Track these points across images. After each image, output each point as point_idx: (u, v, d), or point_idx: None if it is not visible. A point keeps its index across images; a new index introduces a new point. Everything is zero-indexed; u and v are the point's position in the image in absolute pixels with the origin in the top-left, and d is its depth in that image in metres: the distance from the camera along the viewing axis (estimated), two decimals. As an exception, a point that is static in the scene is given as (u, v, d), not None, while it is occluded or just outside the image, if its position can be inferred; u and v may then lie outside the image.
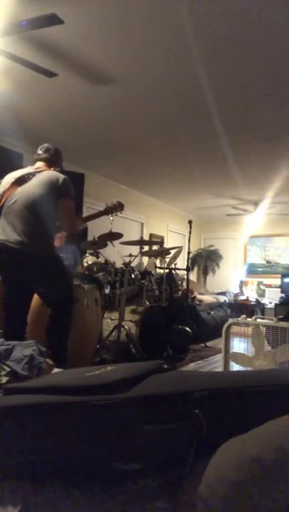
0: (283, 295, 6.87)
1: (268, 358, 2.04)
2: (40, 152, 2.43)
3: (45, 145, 2.46)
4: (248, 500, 0.53)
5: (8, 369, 1.19)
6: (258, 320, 2.20)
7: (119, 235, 3.63)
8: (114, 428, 0.68)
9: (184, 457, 0.65)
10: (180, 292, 5.07)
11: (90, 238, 4.24)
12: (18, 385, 0.99)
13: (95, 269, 3.62)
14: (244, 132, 4.11)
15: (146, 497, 0.65)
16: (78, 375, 0.97)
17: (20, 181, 2.25)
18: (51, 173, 2.29)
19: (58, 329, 2.22)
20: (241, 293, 7.81)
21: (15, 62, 2.61)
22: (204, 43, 2.62)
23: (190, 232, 4.66)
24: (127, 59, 2.84)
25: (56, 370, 1.36)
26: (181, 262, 5.68)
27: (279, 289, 7.49)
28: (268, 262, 8.71)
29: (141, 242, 4.12)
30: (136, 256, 3.91)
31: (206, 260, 8.81)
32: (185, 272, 4.63)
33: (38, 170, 2.33)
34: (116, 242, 3.80)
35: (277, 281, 7.71)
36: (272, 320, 2.14)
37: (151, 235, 7.41)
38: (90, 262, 3.64)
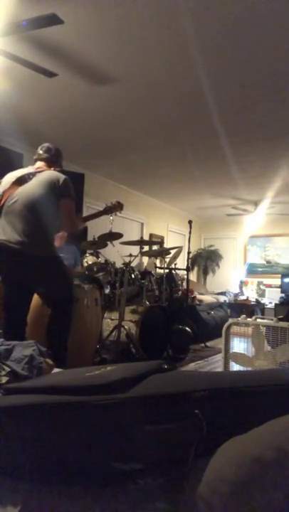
0: (283, 295, 6.87)
1: (268, 358, 2.04)
2: (40, 152, 2.43)
3: (46, 145, 2.46)
4: (248, 500, 0.53)
5: (8, 369, 1.19)
6: (258, 320, 2.20)
7: (119, 235, 3.63)
8: (114, 428, 0.68)
9: (184, 457, 0.65)
10: (180, 292, 5.07)
11: (90, 238, 4.24)
12: (18, 385, 0.99)
13: (95, 269, 3.62)
14: (244, 132, 4.11)
15: (146, 497, 0.65)
16: (78, 375, 0.97)
17: (20, 181, 2.25)
18: (51, 173, 2.29)
19: (58, 329, 2.22)
20: (241, 293, 7.81)
21: (15, 62, 2.61)
22: (204, 43, 2.62)
23: (190, 232, 4.66)
24: (127, 59, 2.84)
25: (56, 370, 1.36)
26: (181, 262, 5.68)
27: (279, 289, 7.49)
28: (268, 262, 8.71)
29: (141, 242, 4.12)
30: (136, 256, 3.91)
31: (206, 260, 8.81)
32: (185, 272, 4.63)
33: (39, 170, 2.33)
34: (116, 242, 3.80)
35: (277, 281, 7.71)
36: (272, 320, 2.15)
37: (151, 235, 7.41)
38: (90, 262, 3.64)
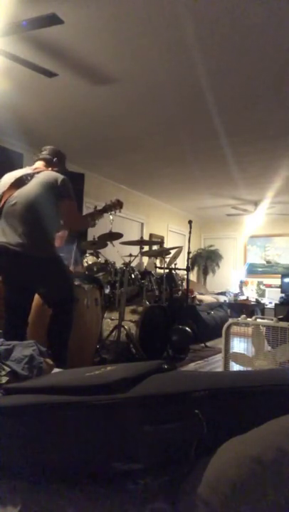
0: (283, 295, 6.87)
1: (268, 358, 2.04)
2: (42, 152, 2.45)
3: (48, 147, 2.47)
4: (248, 500, 0.53)
5: (8, 369, 1.19)
6: (258, 320, 2.20)
7: (119, 235, 3.63)
8: (114, 428, 0.68)
9: (184, 457, 0.65)
10: (180, 292, 5.07)
11: (90, 238, 4.24)
12: (18, 385, 0.99)
13: (95, 269, 3.62)
14: (244, 132, 4.11)
15: (146, 497, 0.65)
16: (78, 375, 0.97)
17: (19, 183, 2.25)
18: (50, 174, 2.29)
19: (59, 329, 2.22)
20: (241, 293, 7.81)
21: (15, 62, 2.61)
22: (204, 43, 2.62)
23: (190, 232, 4.66)
24: (127, 59, 2.84)
25: (56, 370, 1.36)
26: (181, 262, 5.68)
27: (279, 289, 7.49)
28: (268, 262, 8.71)
29: (141, 242, 4.12)
30: (136, 256, 3.91)
31: (206, 260, 8.81)
32: (185, 272, 4.63)
33: (36, 170, 2.33)
34: (116, 242, 3.80)
35: (277, 281, 7.71)
36: (272, 320, 2.14)
37: (151, 235, 7.41)
38: (90, 262, 3.64)
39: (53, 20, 2.15)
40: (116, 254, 3.95)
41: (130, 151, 4.84)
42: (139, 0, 2.24)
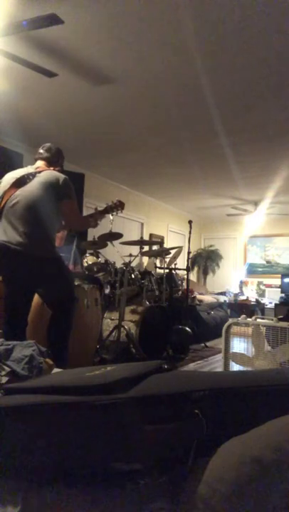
0: (283, 295, 6.87)
1: (268, 358, 2.04)
2: (41, 151, 2.44)
3: (47, 145, 2.46)
4: (248, 500, 0.53)
5: (8, 369, 1.19)
6: (258, 320, 2.20)
7: (119, 235, 3.63)
8: (114, 428, 0.68)
9: (184, 457, 0.65)
10: (180, 292, 5.07)
11: (90, 238, 4.24)
12: (18, 385, 0.98)
13: (95, 269, 3.62)
14: (244, 132, 4.11)
15: (146, 497, 0.65)
16: (78, 375, 0.97)
17: (20, 182, 2.25)
18: (51, 174, 2.29)
19: (59, 329, 2.22)
20: (241, 293, 7.81)
21: (15, 62, 2.61)
22: (205, 43, 2.62)
23: (190, 232, 4.66)
24: (127, 59, 2.84)
25: (56, 370, 1.36)
26: (181, 262, 5.68)
27: (279, 289, 7.49)
28: (268, 262, 8.71)
29: (141, 242, 4.12)
30: (136, 256, 3.91)
31: (206, 260, 8.81)
32: (185, 272, 4.63)
33: (38, 170, 2.33)
34: (116, 242, 3.80)
35: (277, 281, 7.71)
36: (272, 320, 2.15)
37: (151, 235, 7.41)
38: (90, 262, 3.64)
39: (53, 20, 2.15)
40: (116, 254, 3.95)
41: (130, 151, 4.84)
42: (139, 0, 2.24)
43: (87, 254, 3.81)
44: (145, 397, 0.70)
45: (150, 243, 5.70)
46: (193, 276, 8.73)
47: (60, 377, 1.08)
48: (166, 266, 4.63)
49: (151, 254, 4.85)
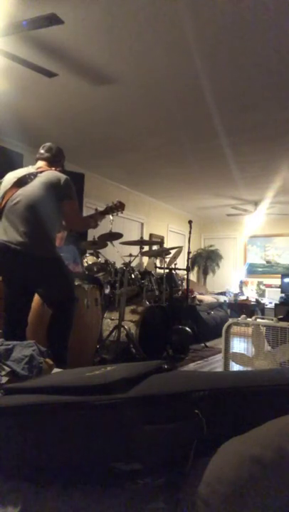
0: (283, 295, 6.87)
1: (268, 358, 2.04)
2: (42, 151, 2.43)
3: (48, 144, 2.46)
4: (248, 500, 0.53)
5: (8, 369, 1.19)
6: (258, 320, 2.20)
7: (119, 235, 3.63)
8: (114, 428, 0.68)
9: (184, 457, 0.65)
10: (180, 292, 5.07)
11: (90, 238, 4.24)
12: (18, 385, 0.98)
13: (95, 269, 3.62)
14: (244, 132, 4.11)
15: (146, 497, 0.65)
16: (78, 375, 0.97)
17: (21, 182, 2.25)
18: (52, 174, 2.29)
19: (59, 329, 2.22)
20: (241, 293, 7.81)
21: (15, 62, 2.61)
22: (205, 43, 2.62)
23: (190, 232, 4.66)
24: (127, 59, 2.84)
25: (56, 370, 1.36)
26: (181, 262, 5.68)
27: (279, 289, 7.49)
28: (268, 262, 8.71)
29: (141, 242, 4.12)
30: (136, 256, 3.91)
31: (206, 260, 8.81)
32: (185, 272, 4.63)
33: (39, 170, 2.33)
34: (116, 242, 3.80)
35: (277, 281, 7.71)
36: (272, 320, 2.15)
37: (151, 235, 7.41)
38: (90, 262, 3.64)
39: (53, 20, 2.15)
40: (116, 254, 3.95)
41: (130, 150, 4.84)
42: (139, 0, 2.24)
43: (87, 254, 3.81)
44: (145, 397, 0.70)
45: (150, 243, 5.69)
46: (193, 276, 8.73)
47: (60, 377, 1.08)
48: (166, 266, 4.63)
49: (151, 254, 4.85)
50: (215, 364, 3.55)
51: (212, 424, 0.67)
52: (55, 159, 2.43)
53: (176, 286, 4.92)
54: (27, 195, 2.19)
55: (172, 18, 2.38)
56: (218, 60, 2.81)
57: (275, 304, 6.57)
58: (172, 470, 0.67)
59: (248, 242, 8.98)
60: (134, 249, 4.05)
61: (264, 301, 7.45)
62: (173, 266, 4.67)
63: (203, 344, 4.37)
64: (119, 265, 3.76)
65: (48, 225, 2.21)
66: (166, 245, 7.48)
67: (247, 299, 7.16)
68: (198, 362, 3.63)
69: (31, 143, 4.30)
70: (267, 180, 5.72)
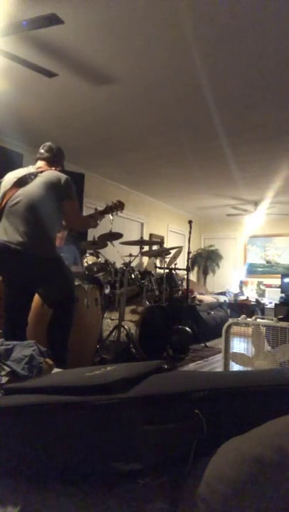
0: (283, 295, 6.87)
1: (268, 358, 2.04)
2: (42, 151, 2.43)
3: (48, 144, 2.46)
4: (248, 500, 0.53)
5: (8, 369, 1.19)
6: (258, 320, 2.19)
7: (119, 235, 3.63)
8: (114, 428, 0.68)
9: (184, 457, 0.65)
10: (180, 292, 5.07)
11: (90, 238, 4.24)
12: (18, 385, 0.98)
13: (95, 269, 3.62)
14: (244, 132, 4.11)
15: (146, 497, 0.65)
16: (78, 375, 0.97)
17: (21, 182, 2.25)
18: (53, 174, 2.29)
19: (59, 329, 2.22)
20: (241, 293, 7.81)
21: (15, 62, 2.61)
22: (205, 43, 2.62)
23: (190, 232, 4.66)
24: (127, 59, 2.84)
25: (56, 370, 1.36)
26: (181, 262, 5.68)
27: (279, 289, 7.49)
28: (268, 262, 8.71)
29: (141, 242, 4.12)
30: (136, 256, 3.91)
31: (206, 260, 8.81)
32: (185, 272, 4.63)
33: (40, 170, 2.33)
34: (116, 242, 3.80)
35: (277, 281, 7.71)
36: (272, 320, 2.14)
37: (151, 235, 7.41)
38: (90, 262, 3.64)
39: (53, 20, 2.15)
40: (116, 254, 3.94)
41: (130, 150, 4.84)
42: (139, 0, 2.24)
43: (87, 254, 3.81)
44: (145, 397, 0.70)
45: (150, 243, 5.69)
46: (193, 277, 8.73)
47: (60, 377, 1.08)
48: (166, 266, 4.63)
49: (151, 254, 4.85)
50: (215, 364, 3.55)
51: (212, 424, 0.67)
52: (55, 159, 2.43)
53: (176, 286, 4.92)
54: (27, 195, 2.19)
55: (172, 18, 2.38)
56: (218, 60, 2.81)
57: (275, 304, 6.57)
58: (172, 470, 0.67)
59: (248, 242, 8.98)
60: (134, 249, 4.05)
61: (264, 301, 7.45)
62: (173, 266, 4.67)
63: (203, 344, 4.37)
64: (119, 265, 3.75)
65: (48, 225, 2.21)
66: (166, 245, 7.48)
67: (247, 299, 7.16)
68: (198, 362, 3.63)
69: (31, 143, 4.30)
70: (267, 180, 5.72)
